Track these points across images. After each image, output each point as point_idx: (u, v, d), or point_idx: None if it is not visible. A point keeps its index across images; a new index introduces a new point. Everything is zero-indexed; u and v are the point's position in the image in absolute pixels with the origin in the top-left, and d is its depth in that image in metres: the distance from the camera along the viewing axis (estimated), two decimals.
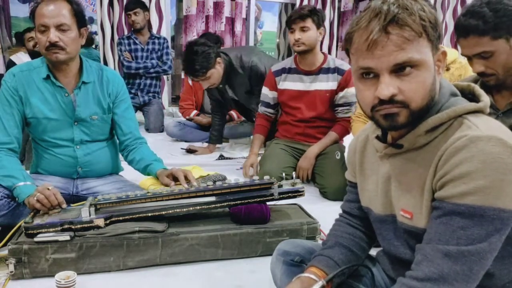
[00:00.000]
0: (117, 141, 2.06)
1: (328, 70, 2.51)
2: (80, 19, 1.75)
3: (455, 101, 0.88)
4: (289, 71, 2.59)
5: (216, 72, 2.76)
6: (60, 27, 1.68)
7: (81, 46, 1.83)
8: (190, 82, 3.82)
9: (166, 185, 1.82)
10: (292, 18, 2.42)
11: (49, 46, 1.68)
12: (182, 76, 4.89)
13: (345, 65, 2.52)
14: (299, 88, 2.55)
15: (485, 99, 0.88)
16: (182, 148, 3.30)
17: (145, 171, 1.96)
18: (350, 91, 2.48)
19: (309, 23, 2.39)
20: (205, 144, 3.33)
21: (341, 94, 2.50)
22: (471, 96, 0.92)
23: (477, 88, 0.92)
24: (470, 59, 1.40)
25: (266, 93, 2.68)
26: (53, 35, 1.67)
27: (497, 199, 0.75)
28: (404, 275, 0.84)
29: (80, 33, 1.77)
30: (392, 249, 1.00)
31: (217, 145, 3.27)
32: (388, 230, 0.99)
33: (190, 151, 3.20)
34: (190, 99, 3.83)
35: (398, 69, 0.82)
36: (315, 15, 2.40)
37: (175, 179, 1.83)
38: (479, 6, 1.31)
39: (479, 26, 1.30)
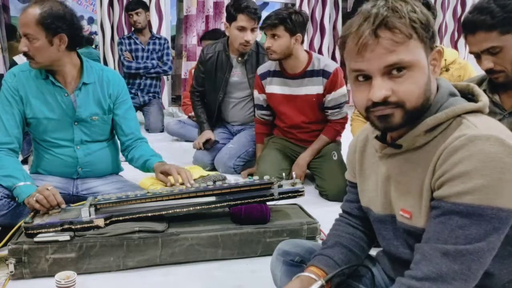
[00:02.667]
0: (118, 141, 2.06)
1: (312, 73, 2.40)
2: (49, 27, 1.66)
3: (454, 101, 0.88)
4: (273, 74, 2.51)
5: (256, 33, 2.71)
6: (27, 36, 1.67)
7: (79, 48, 1.83)
8: None
9: (161, 181, 1.83)
10: (262, 26, 2.35)
11: (25, 55, 1.70)
12: (182, 76, 4.89)
13: (331, 66, 2.39)
14: (285, 92, 2.47)
15: (484, 99, 0.88)
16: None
17: (144, 167, 1.95)
18: (339, 92, 2.40)
19: (280, 31, 2.28)
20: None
21: (329, 97, 2.40)
22: (470, 96, 0.93)
23: (476, 88, 0.92)
24: (478, 56, 1.39)
25: (257, 96, 2.63)
26: (22, 44, 1.67)
27: (495, 198, 0.75)
28: (403, 274, 0.84)
29: (52, 42, 1.69)
30: (392, 249, 1.00)
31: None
32: (387, 230, 0.99)
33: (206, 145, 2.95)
34: None
35: (390, 71, 0.83)
36: (287, 22, 2.26)
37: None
38: (487, 2, 1.32)
39: (487, 20, 1.30)
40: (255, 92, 2.65)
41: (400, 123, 0.85)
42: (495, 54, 1.34)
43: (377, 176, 0.99)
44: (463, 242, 0.77)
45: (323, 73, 2.39)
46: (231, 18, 2.64)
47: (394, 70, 0.82)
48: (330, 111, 2.46)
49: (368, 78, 0.85)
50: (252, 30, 2.63)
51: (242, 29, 2.61)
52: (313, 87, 2.40)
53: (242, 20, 2.58)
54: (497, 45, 1.32)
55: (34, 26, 1.65)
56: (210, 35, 3.92)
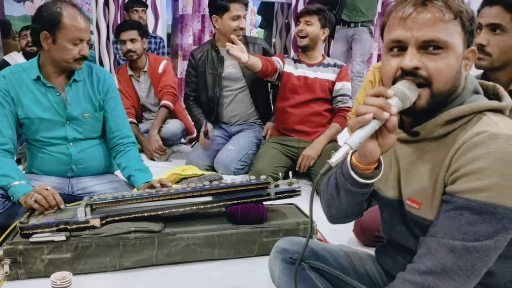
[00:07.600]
0: None
1: (328, 65, 2.70)
2: None
3: (477, 98, 0.88)
4: (294, 61, 2.73)
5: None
6: (87, 42, 1.80)
7: None
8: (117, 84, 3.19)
9: None
10: (300, 12, 2.66)
11: (80, 58, 1.77)
12: (178, 76, 4.86)
13: (341, 62, 2.77)
14: (301, 74, 2.67)
15: (508, 100, 0.88)
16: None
17: (129, 181, 1.93)
18: (347, 85, 2.67)
19: (314, 19, 2.59)
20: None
21: (339, 85, 2.64)
22: (493, 97, 0.92)
23: (502, 89, 0.92)
24: (479, 29, 1.39)
25: (276, 58, 2.71)
26: (86, 49, 1.79)
27: (509, 198, 0.75)
28: (404, 269, 0.84)
29: None
30: (393, 234, 0.99)
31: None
32: (393, 214, 0.98)
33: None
34: (128, 105, 3.26)
35: (427, 47, 0.83)
36: (321, 14, 2.60)
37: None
38: None
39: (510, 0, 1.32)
40: (274, 58, 2.72)
41: (425, 106, 0.85)
42: (495, 34, 1.36)
43: (391, 159, 0.98)
44: (471, 238, 0.77)
45: (336, 65, 2.69)
46: (223, 10, 2.71)
47: (431, 47, 0.82)
48: (339, 98, 2.66)
49: (403, 49, 0.85)
50: (244, 17, 2.75)
51: (237, 17, 2.71)
52: (327, 74, 2.67)
53: (236, 9, 2.69)
54: (504, 26, 1.34)
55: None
56: (130, 24, 3.31)
